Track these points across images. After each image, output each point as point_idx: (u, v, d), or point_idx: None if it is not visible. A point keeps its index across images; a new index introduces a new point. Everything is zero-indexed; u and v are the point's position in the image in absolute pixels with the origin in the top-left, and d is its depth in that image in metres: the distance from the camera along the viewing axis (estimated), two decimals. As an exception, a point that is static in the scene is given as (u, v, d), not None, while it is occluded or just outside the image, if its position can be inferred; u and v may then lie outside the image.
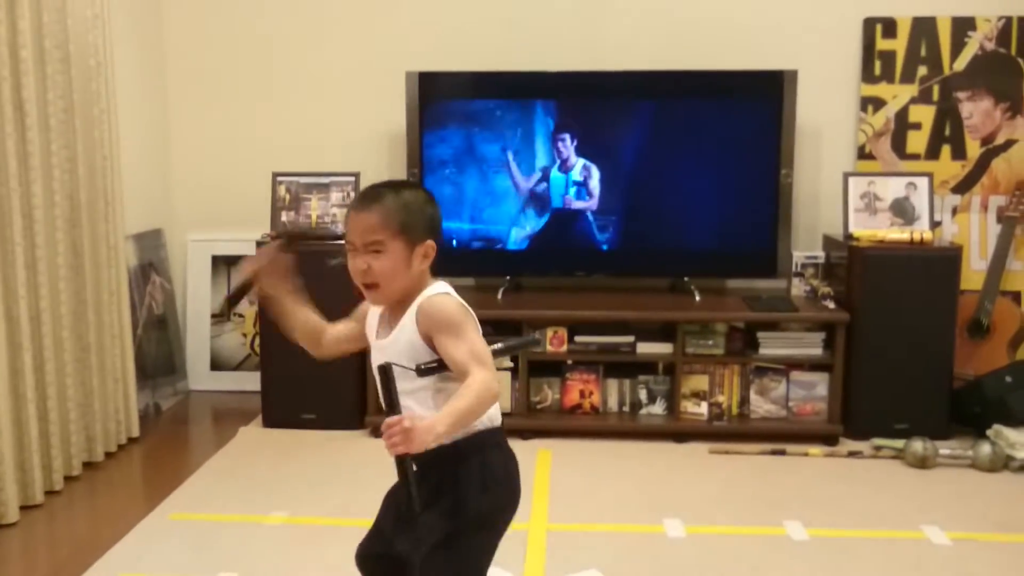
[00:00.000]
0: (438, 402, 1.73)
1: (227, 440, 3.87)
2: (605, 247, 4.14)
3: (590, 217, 4.13)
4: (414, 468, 1.61)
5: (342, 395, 3.94)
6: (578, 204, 4.12)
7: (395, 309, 1.81)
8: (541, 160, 4.10)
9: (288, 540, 2.93)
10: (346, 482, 3.39)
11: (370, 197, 1.78)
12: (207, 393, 4.57)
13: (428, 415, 1.63)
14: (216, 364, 4.62)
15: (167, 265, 4.52)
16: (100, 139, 3.61)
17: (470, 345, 1.71)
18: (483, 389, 1.65)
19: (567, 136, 4.09)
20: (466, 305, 1.79)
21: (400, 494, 1.76)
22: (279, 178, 4.15)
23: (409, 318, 1.77)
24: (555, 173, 4.10)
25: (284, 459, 3.65)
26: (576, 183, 4.11)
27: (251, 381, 4.24)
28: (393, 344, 1.78)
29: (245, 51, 4.48)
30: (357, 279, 1.78)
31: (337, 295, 3.87)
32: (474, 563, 1.80)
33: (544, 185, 4.12)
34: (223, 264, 4.61)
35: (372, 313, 1.89)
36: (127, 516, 3.10)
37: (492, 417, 1.80)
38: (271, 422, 4.00)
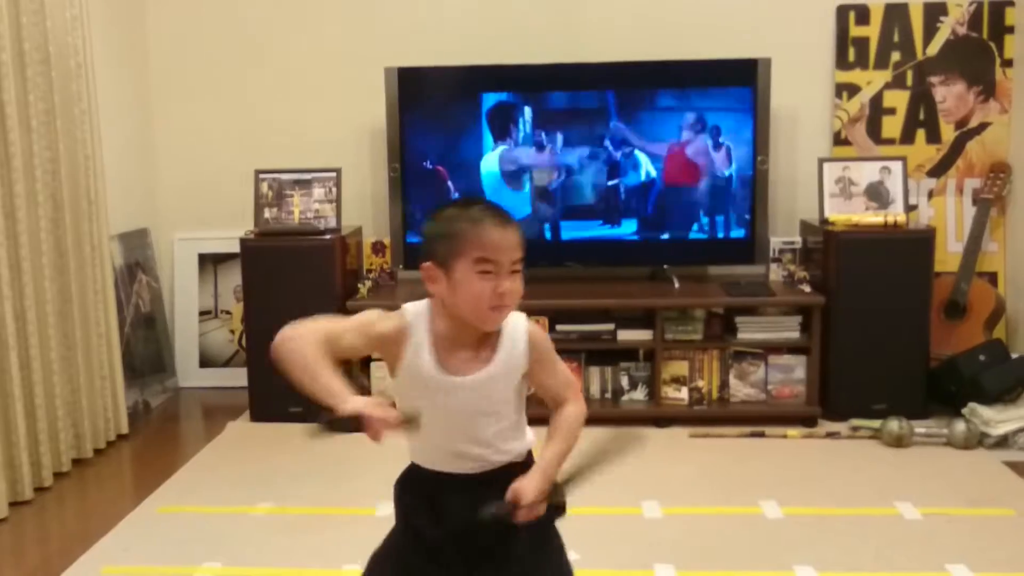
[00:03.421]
0: (519, 431, 1.74)
1: (215, 435, 3.92)
2: (586, 237, 4.19)
3: (571, 208, 4.18)
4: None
5: (328, 388, 3.98)
6: (559, 195, 4.17)
7: (476, 339, 1.68)
8: (520, 152, 4.15)
9: (272, 529, 2.99)
10: (330, 472, 3.44)
11: (504, 213, 1.66)
12: (196, 390, 4.62)
13: (514, 447, 1.71)
14: (205, 361, 4.67)
15: (154, 264, 4.57)
16: (82, 139, 3.66)
17: (563, 368, 1.78)
18: (582, 422, 1.74)
19: (546, 128, 4.14)
20: None
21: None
22: (262, 175, 4.20)
23: (515, 347, 1.68)
24: (535, 165, 4.15)
25: (271, 452, 3.70)
26: (556, 175, 4.16)
27: (240, 377, 4.28)
28: (491, 380, 1.67)
29: (227, 49, 4.52)
30: (492, 303, 1.61)
31: (314, 290, 3.89)
32: None
33: (525, 177, 4.17)
34: (210, 262, 4.66)
35: (421, 346, 1.67)
36: (116, 510, 3.15)
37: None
38: (259, 416, 4.05)
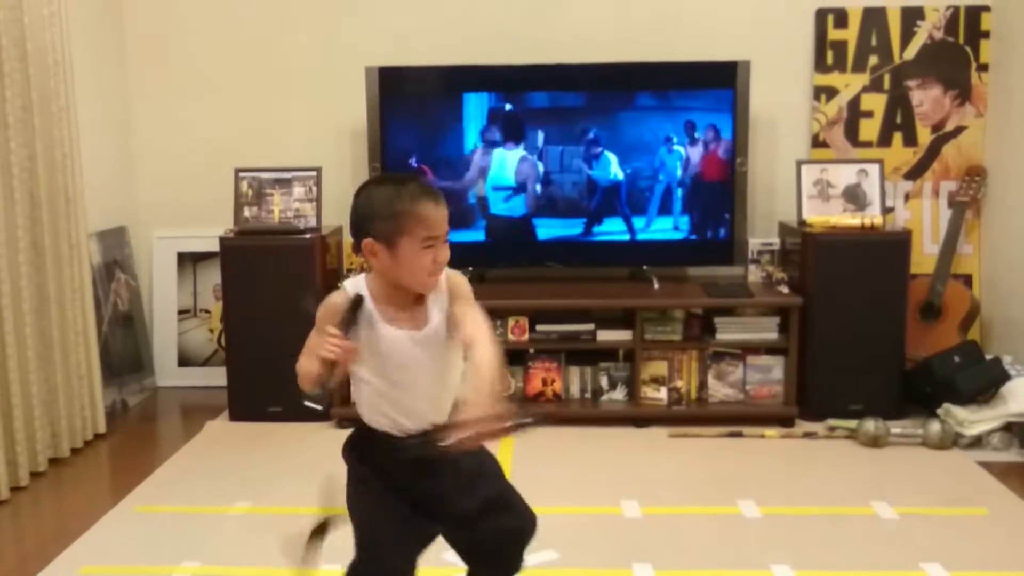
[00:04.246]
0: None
1: (194, 434, 3.90)
2: (564, 238, 4.20)
3: (551, 208, 4.19)
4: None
5: (308, 388, 3.97)
6: (539, 196, 4.18)
7: (412, 299, 1.87)
8: (501, 153, 4.16)
9: (250, 529, 2.98)
10: (309, 471, 3.39)
11: (436, 189, 1.87)
12: (175, 389, 4.60)
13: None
14: (183, 360, 4.65)
15: (132, 262, 4.54)
16: (59, 137, 3.63)
17: (480, 314, 1.87)
18: (495, 364, 1.78)
19: (526, 129, 4.14)
20: None
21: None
22: (241, 174, 4.18)
23: (440, 292, 1.87)
24: (515, 165, 4.16)
25: (249, 451, 3.69)
26: (537, 175, 4.17)
27: (219, 376, 4.26)
28: (435, 334, 1.86)
29: (207, 47, 4.51)
30: (434, 271, 1.84)
31: (294, 289, 3.87)
32: None
33: (505, 177, 4.17)
34: (189, 261, 4.64)
35: (370, 314, 1.85)
36: (93, 510, 3.13)
37: None
38: (238, 416, 4.04)
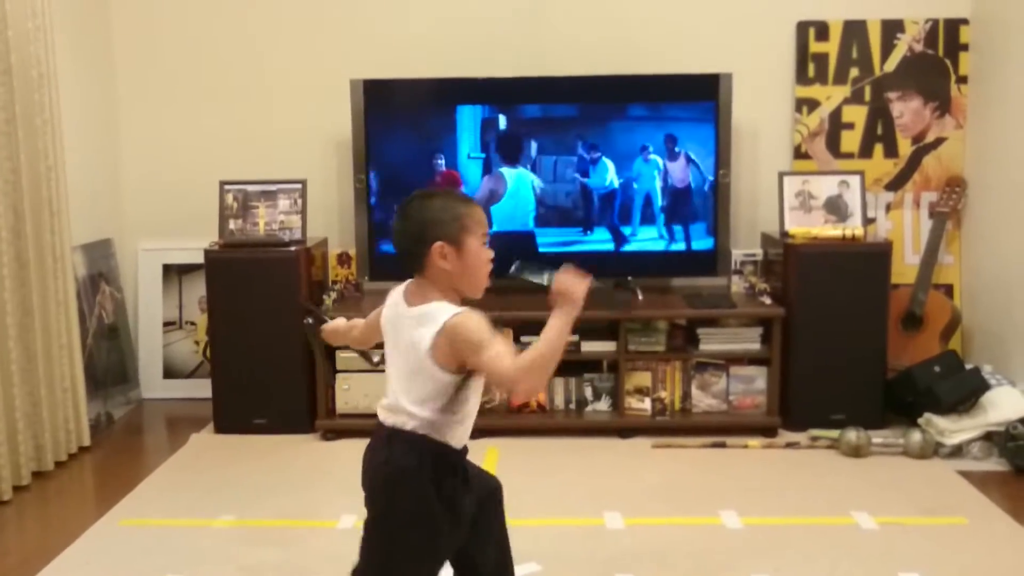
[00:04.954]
0: None
1: (179, 447, 3.90)
2: (549, 250, 4.23)
3: (535, 220, 4.21)
4: None
5: (292, 400, 3.98)
6: (523, 207, 4.20)
7: None
8: (485, 164, 4.18)
9: (234, 542, 2.98)
10: (294, 484, 3.44)
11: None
12: (160, 401, 4.59)
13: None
14: (169, 372, 4.64)
15: (117, 274, 4.54)
16: (44, 149, 3.63)
17: None
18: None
19: (510, 140, 4.17)
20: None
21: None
22: (227, 186, 4.19)
23: None
24: (499, 177, 4.18)
25: (234, 464, 3.69)
26: (520, 187, 4.19)
27: (204, 388, 4.25)
28: None
29: (192, 59, 4.51)
30: (488, 268, 2.00)
31: (279, 301, 3.88)
32: None
33: (488, 189, 4.19)
34: (174, 273, 4.64)
35: None
36: (76, 524, 3.13)
37: None
38: (223, 428, 4.04)
